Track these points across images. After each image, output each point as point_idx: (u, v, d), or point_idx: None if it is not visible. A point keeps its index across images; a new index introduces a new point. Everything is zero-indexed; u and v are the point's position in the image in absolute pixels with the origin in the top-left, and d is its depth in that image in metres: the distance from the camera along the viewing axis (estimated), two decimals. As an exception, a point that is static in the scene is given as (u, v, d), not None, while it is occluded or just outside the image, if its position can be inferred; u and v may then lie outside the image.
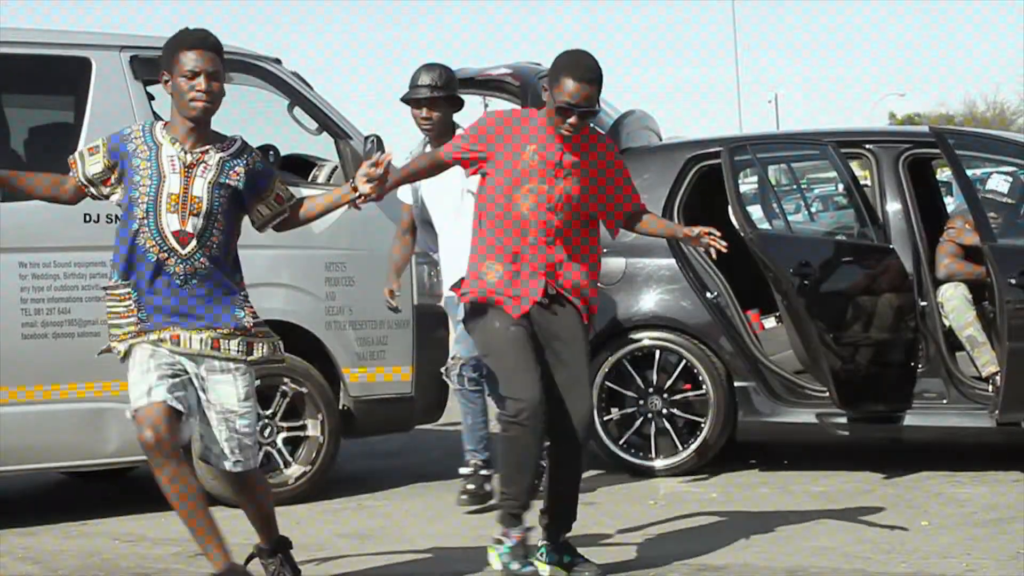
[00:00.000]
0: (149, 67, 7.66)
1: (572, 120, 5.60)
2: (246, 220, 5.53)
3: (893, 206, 8.23)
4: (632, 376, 8.27)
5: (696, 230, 5.78)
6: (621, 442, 8.24)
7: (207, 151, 5.35)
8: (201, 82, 5.28)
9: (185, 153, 5.33)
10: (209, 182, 5.31)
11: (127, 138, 5.39)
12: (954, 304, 8.08)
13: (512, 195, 5.69)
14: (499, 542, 5.77)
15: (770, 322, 8.67)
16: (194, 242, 5.29)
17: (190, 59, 5.28)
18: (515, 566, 5.72)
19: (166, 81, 5.35)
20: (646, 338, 8.28)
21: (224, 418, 5.36)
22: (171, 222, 5.27)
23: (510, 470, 5.71)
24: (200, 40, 5.32)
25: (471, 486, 7.48)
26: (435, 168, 6.02)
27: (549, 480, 5.90)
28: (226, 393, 5.36)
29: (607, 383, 8.18)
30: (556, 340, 5.76)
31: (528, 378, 5.60)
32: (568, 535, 5.92)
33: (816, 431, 8.13)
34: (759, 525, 6.72)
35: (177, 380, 5.29)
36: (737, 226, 8.25)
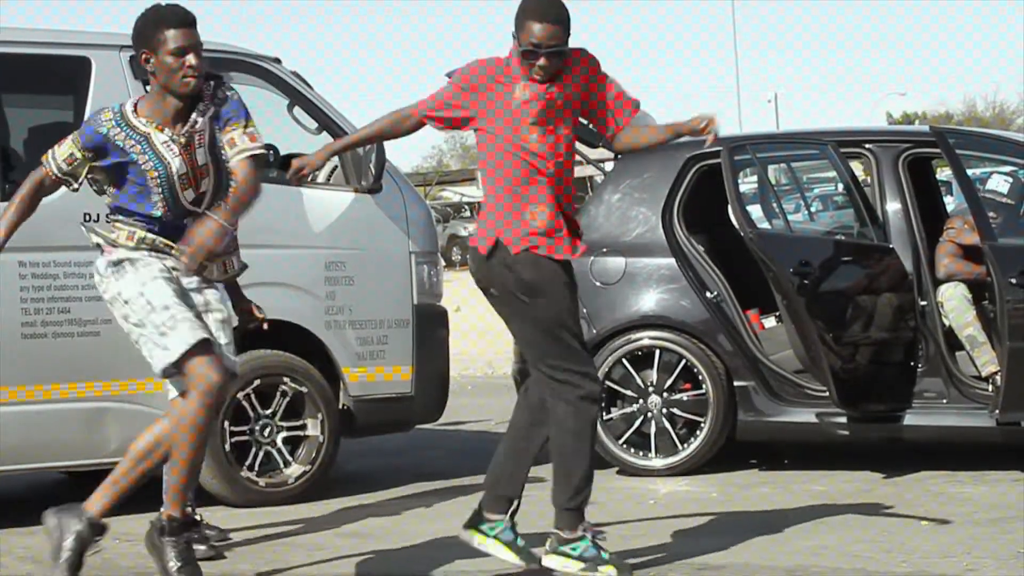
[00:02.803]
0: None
1: (541, 62, 5.50)
2: None
3: (893, 206, 8.23)
4: (632, 375, 8.27)
5: (693, 121, 5.51)
6: (621, 442, 8.24)
7: (195, 124, 5.37)
8: (191, 59, 5.29)
9: (179, 136, 5.37)
10: (207, 148, 5.38)
11: (96, 122, 5.41)
12: (954, 304, 8.08)
13: (520, 135, 5.52)
14: (582, 538, 5.61)
15: (770, 322, 8.67)
16: (209, 197, 5.43)
17: (176, 36, 5.29)
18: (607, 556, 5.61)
19: (146, 59, 5.33)
20: (646, 337, 8.28)
21: None
22: (188, 196, 5.40)
23: (585, 455, 5.60)
24: (182, 17, 5.33)
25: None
26: (399, 129, 5.79)
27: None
28: None
29: (607, 382, 8.18)
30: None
31: (587, 354, 5.60)
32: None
33: (816, 431, 8.12)
34: (759, 525, 6.72)
35: None
36: (737, 226, 8.24)
